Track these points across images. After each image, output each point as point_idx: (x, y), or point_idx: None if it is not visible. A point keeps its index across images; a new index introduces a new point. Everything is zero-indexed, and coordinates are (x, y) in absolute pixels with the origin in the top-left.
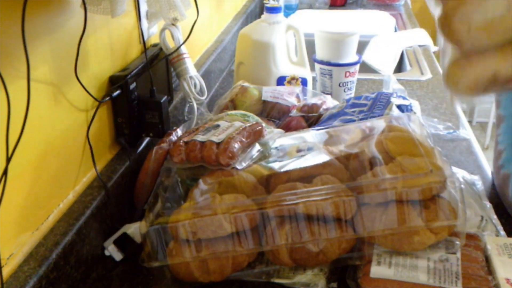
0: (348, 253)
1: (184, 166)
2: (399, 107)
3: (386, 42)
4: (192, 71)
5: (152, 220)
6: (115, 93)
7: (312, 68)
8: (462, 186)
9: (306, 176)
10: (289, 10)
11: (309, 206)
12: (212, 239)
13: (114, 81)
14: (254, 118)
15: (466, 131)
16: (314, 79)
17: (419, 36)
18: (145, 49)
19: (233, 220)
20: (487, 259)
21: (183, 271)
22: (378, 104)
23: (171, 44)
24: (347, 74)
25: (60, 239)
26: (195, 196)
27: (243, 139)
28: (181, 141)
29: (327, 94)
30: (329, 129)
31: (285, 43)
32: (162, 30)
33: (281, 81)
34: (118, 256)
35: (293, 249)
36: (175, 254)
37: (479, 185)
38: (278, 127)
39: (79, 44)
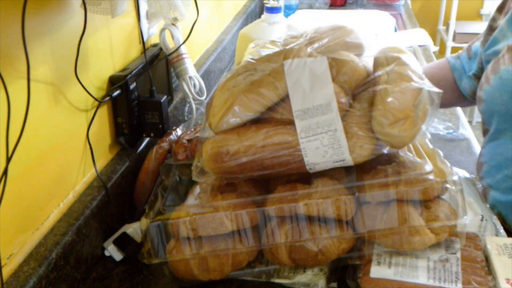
0: (348, 253)
1: (188, 163)
2: None
3: (386, 42)
4: (191, 71)
5: (152, 217)
6: (115, 93)
7: None
8: (462, 186)
9: (306, 177)
10: (289, 10)
11: (310, 207)
12: (212, 236)
13: (114, 81)
14: None
15: (466, 131)
16: None
17: (419, 36)
18: (144, 49)
19: (234, 218)
20: (487, 259)
21: (182, 268)
22: None
23: (171, 44)
24: None
25: (60, 239)
26: (188, 200)
27: None
28: (183, 139)
29: None
30: None
31: None
32: (162, 30)
33: None
34: (118, 256)
35: (292, 249)
36: (175, 251)
37: (479, 185)
38: None
39: (79, 44)
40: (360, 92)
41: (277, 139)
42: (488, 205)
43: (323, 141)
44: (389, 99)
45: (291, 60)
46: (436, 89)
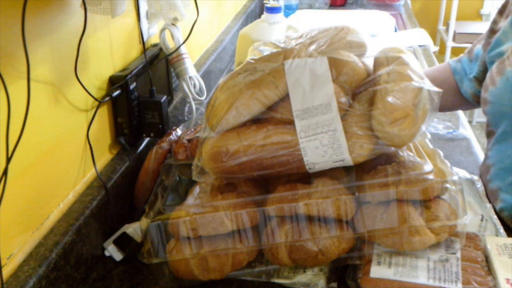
0: (348, 253)
1: (188, 163)
2: None
3: (386, 42)
4: (191, 71)
5: (152, 216)
6: (115, 93)
7: None
8: (462, 186)
9: (306, 176)
10: (289, 10)
11: (310, 207)
12: (212, 236)
13: (114, 81)
14: None
15: (466, 131)
16: None
17: (419, 36)
18: (144, 49)
19: (234, 217)
20: (487, 259)
21: (182, 268)
22: None
23: (171, 44)
24: None
25: (60, 239)
26: (188, 200)
27: None
28: (183, 139)
29: None
30: None
31: None
32: (162, 30)
33: None
34: (118, 256)
35: (292, 249)
36: (175, 251)
37: (479, 185)
38: None
39: (79, 44)
40: (360, 92)
41: (277, 139)
42: (497, 208)
43: (322, 141)
44: (389, 98)
45: (292, 60)
46: (436, 89)
